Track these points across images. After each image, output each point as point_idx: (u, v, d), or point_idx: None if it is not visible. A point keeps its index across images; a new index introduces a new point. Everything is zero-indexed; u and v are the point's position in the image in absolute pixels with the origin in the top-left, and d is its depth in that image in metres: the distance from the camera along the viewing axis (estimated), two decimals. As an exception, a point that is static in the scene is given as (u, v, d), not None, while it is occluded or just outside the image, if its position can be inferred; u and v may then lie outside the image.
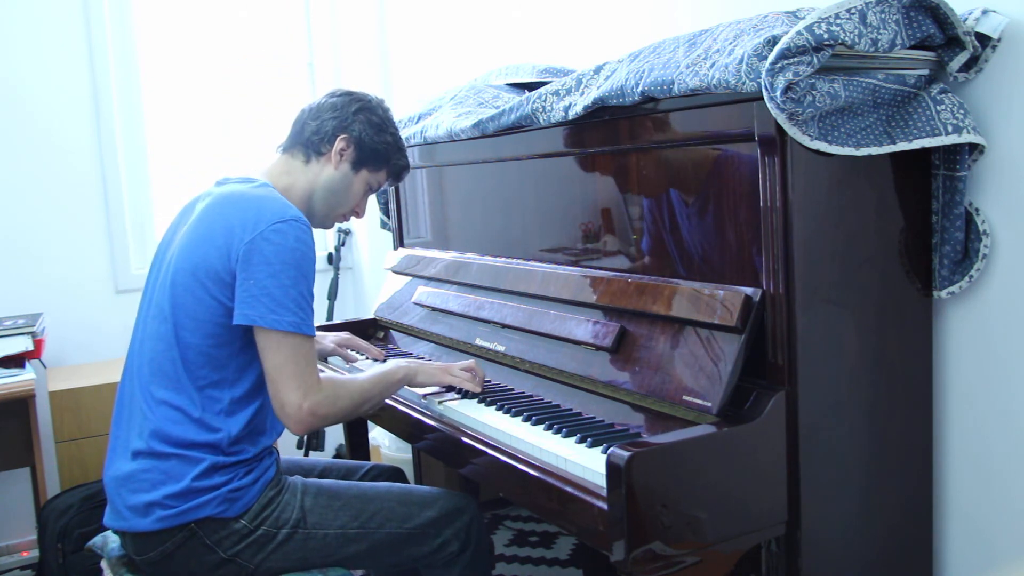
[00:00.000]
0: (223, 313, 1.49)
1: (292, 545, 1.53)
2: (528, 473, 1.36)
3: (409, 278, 2.26)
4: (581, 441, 1.38)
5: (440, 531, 1.63)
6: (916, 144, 1.30)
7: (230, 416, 1.52)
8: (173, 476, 1.47)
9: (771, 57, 1.16)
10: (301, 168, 1.71)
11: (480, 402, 1.66)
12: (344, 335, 2.09)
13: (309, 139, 1.70)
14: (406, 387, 1.74)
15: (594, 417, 1.49)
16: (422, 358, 2.03)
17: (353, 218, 1.81)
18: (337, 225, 3.48)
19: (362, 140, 1.71)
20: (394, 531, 1.60)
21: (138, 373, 1.56)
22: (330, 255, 3.50)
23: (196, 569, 1.49)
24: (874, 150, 1.27)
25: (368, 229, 3.30)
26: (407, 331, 2.18)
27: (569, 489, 1.27)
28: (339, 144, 1.69)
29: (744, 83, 1.20)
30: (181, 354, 1.51)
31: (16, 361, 2.46)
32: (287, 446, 3.19)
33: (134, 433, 1.53)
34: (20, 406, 2.33)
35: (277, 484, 1.57)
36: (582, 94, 1.54)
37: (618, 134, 1.53)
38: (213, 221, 1.53)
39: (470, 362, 1.77)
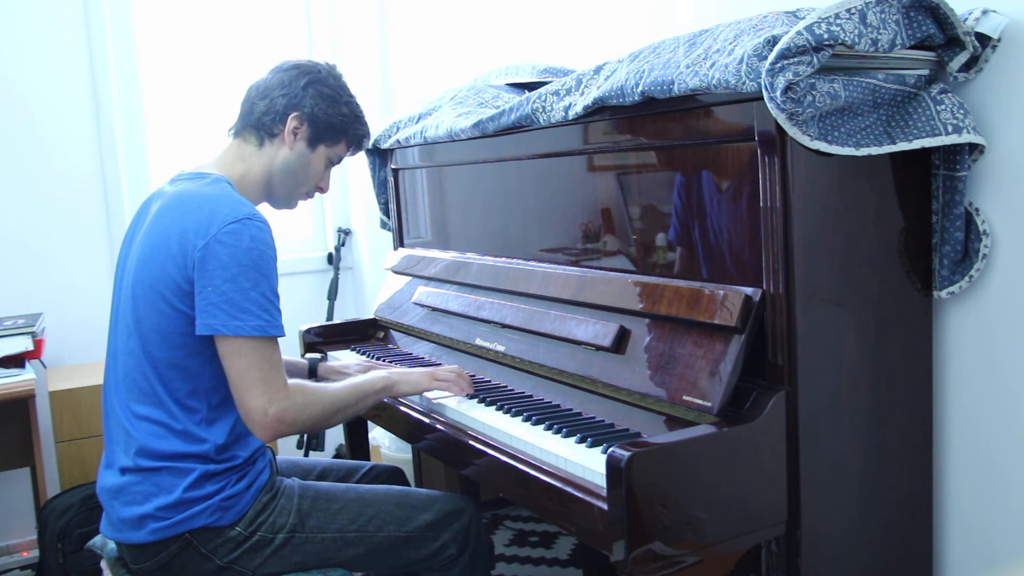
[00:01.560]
0: (188, 323, 1.45)
1: (289, 549, 1.52)
2: (528, 473, 1.36)
3: (409, 278, 2.26)
4: (581, 441, 1.38)
5: (438, 534, 1.62)
6: (916, 144, 1.30)
7: (212, 425, 1.49)
8: (164, 488, 1.45)
9: (771, 57, 1.15)
10: (255, 152, 1.64)
11: (480, 402, 1.66)
12: (364, 361, 2.01)
13: (260, 121, 1.63)
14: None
15: (594, 417, 1.49)
16: (421, 358, 2.03)
17: (318, 194, 1.75)
18: (337, 225, 3.52)
19: (315, 115, 1.63)
20: (392, 534, 1.59)
21: (115, 388, 1.53)
22: (330, 255, 3.51)
23: None
24: (874, 150, 1.27)
25: (368, 229, 3.30)
26: (407, 331, 2.18)
27: (569, 489, 1.27)
28: (291, 123, 1.62)
29: (744, 83, 1.20)
30: (153, 368, 1.47)
31: (16, 361, 2.46)
32: (287, 446, 3.19)
33: (120, 450, 1.50)
34: (20, 406, 2.33)
35: (271, 488, 1.55)
36: (582, 94, 1.54)
37: (618, 134, 1.53)
38: (166, 227, 1.48)
39: (454, 367, 1.75)
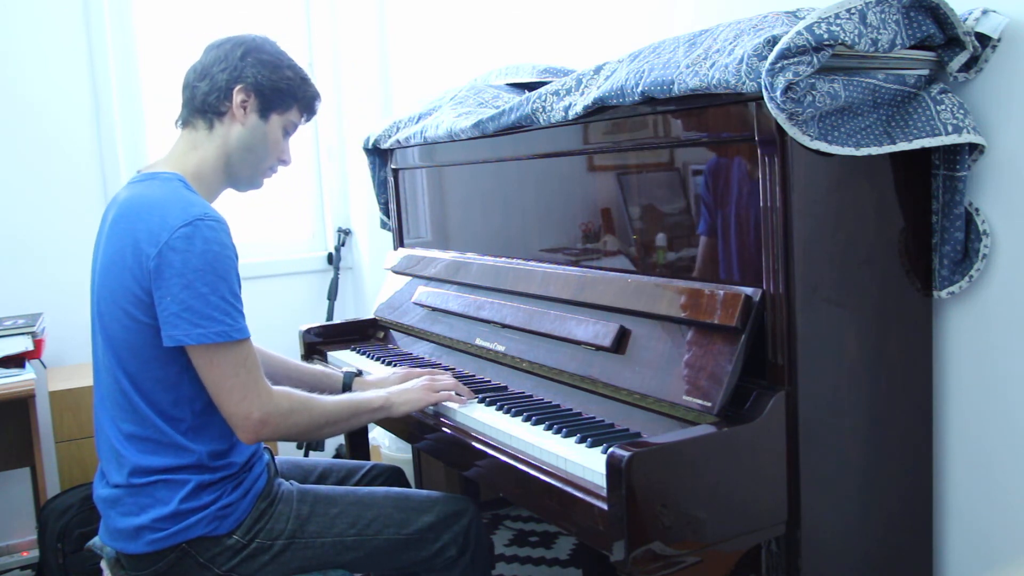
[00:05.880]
0: (155, 335, 1.41)
1: (288, 555, 1.51)
2: (528, 473, 1.36)
3: (409, 278, 2.26)
4: (581, 441, 1.38)
5: (438, 536, 1.61)
6: (916, 144, 1.30)
7: (199, 432, 1.46)
8: (160, 500, 1.44)
9: (771, 57, 1.16)
10: (206, 138, 1.56)
11: (480, 402, 1.66)
12: (401, 371, 1.86)
13: (205, 102, 1.56)
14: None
15: (594, 417, 1.49)
16: (421, 358, 2.03)
17: (281, 167, 1.65)
18: (337, 225, 3.52)
19: (260, 84, 1.55)
20: (392, 537, 1.58)
21: (101, 403, 1.51)
22: (330, 255, 3.51)
23: None
24: (874, 150, 1.27)
25: (368, 229, 3.30)
26: (407, 331, 2.18)
27: (569, 489, 1.27)
28: (238, 97, 1.54)
29: (744, 83, 1.20)
30: (131, 384, 1.44)
31: (16, 361, 2.46)
32: (287, 446, 3.19)
33: (112, 466, 1.49)
34: (20, 406, 2.33)
35: (269, 495, 1.54)
36: (582, 94, 1.54)
37: (618, 134, 1.53)
38: (120, 238, 1.43)
39: (448, 377, 1.72)
